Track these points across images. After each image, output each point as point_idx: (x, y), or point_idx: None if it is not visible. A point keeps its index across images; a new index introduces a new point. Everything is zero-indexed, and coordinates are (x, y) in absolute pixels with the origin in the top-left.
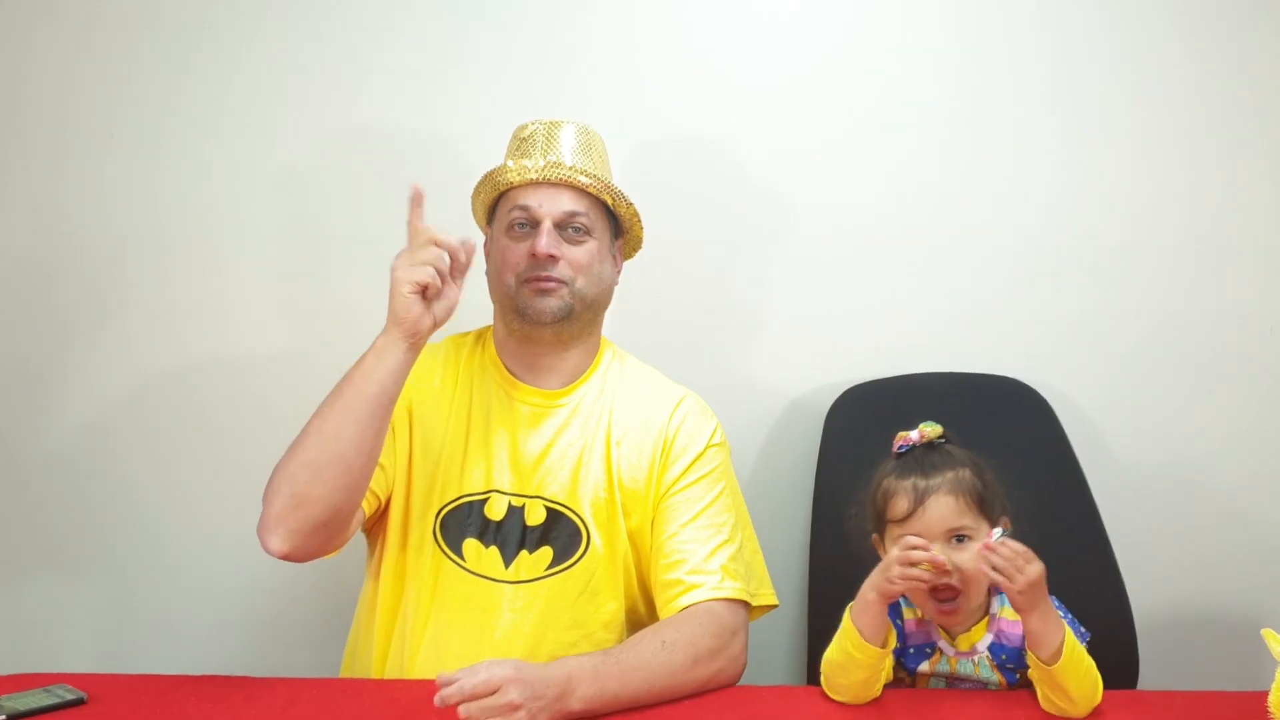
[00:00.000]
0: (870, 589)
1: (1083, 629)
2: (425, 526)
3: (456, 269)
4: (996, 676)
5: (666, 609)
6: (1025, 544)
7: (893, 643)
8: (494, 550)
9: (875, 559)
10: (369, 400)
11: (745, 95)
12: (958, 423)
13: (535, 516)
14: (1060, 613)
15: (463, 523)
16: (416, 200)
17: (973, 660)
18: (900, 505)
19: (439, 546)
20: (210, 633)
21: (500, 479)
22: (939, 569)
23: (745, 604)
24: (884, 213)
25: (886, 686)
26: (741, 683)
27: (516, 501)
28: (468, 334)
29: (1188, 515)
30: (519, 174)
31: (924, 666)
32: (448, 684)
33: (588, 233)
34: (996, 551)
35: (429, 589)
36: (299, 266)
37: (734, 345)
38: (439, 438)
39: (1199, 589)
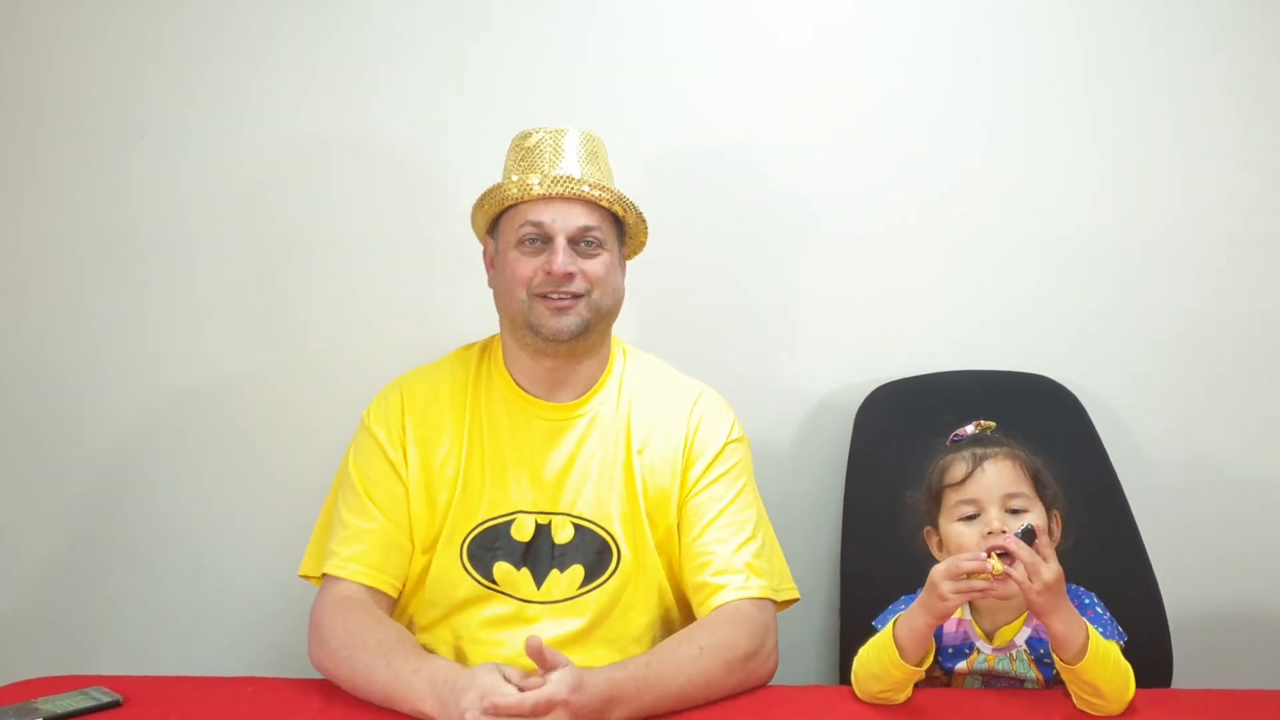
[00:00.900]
0: (922, 611)
1: (1120, 630)
2: (452, 554)
3: None
4: (1034, 672)
5: (699, 611)
6: (1074, 534)
7: (930, 660)
8: (525, 572)
9: (928, 556)
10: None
11: (772, 98)
12: (993, 421)
13: (563, 534)
14: (1097, 612)
15: (491, 547)
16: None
17: (1010, 655)
18: (958, 469)
19: (469, 573)
20: (245, 634)
21: (523, 498)
22: (993, 572)
23: (773, 600)
24: (912, 210)
25: (922, 685)
26: (773, 683)
27: (543, 519)
28: (472, 346)
29: (1220, 512)
30: (528, 191)
31: (961, 666)
32: (534, 653)
33: (600, 245)
34: (1017, 552)
35: (463, 615)
36: (328, 273)
37: (762, 345)
38: (453, 470)
39: (1233, 586)
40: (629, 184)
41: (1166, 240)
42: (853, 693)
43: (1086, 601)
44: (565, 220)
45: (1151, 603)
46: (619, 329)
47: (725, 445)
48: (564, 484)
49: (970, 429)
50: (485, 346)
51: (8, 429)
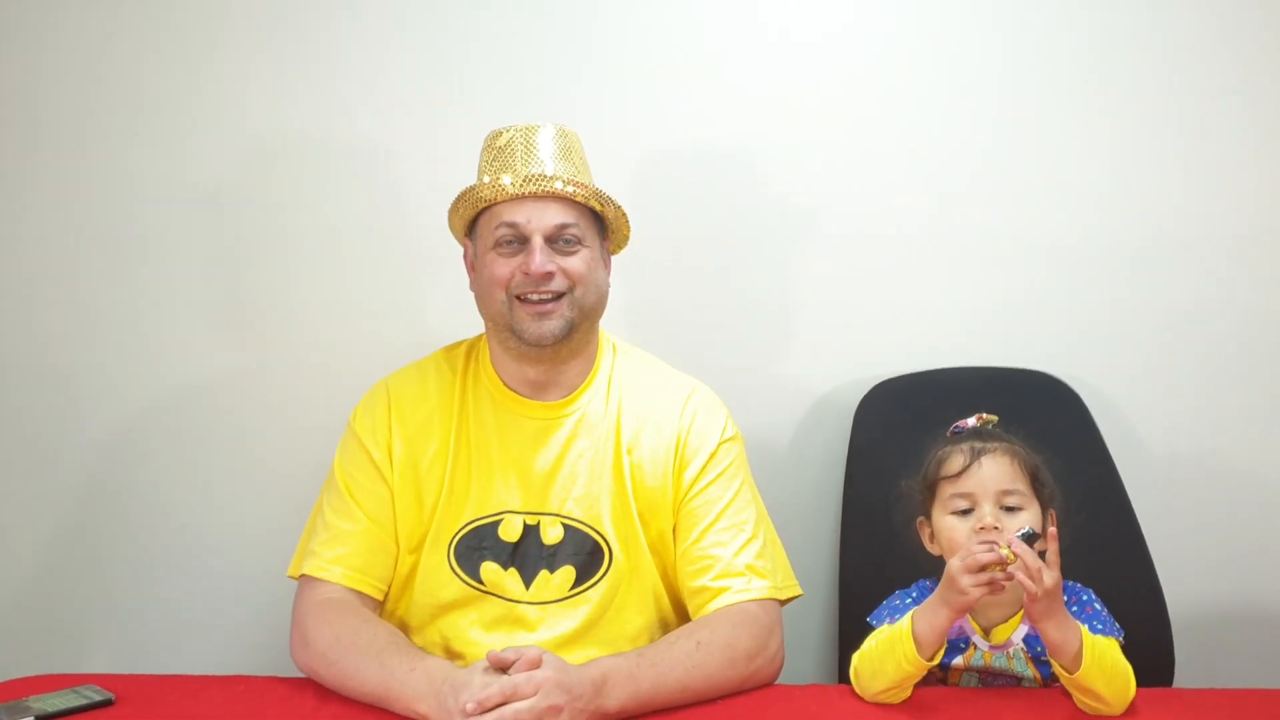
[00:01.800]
0: (942, 606)
1: (1118, 626)
2: (439, 554)
3: None
4: (1031, 670)
5: (697, 615)
6: (1070, 535)
7: (941, 655)
8: (513, 572)
9: (919, 547)
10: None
11: (774, 97)
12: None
13: (552, 535)
14: (1095, 608)
15: (478, 547)
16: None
17: (1007, 654)
18: (955, 462)
19: (456, 574)
20: (238, 632)
21: (511, 499)
22: (1007, 562)
23: (776, 600)
24: (911, 207)
25: (919, 683)
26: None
27: (531, 520)
28: (458, 346)
29: (1223, 509)
30: (501, 191)
31: (957, 661)
32: (498, 664)
33: (579, 242)
34: (1021, 554)
35: (452, 615)
36: (329, 268)
37: (761, 342)
38: (440, 470)
39: (1236, 584)
40: (629, 181)
41: (1168, 235)
42: (853, 691)
43: (1085, 598)
44: (540, 219)
45: (1153, 601)
46: (618, 326)
47: (719, 445)
48: (552, 484)
49: (972, 421)
50: (472, 346)
51: (3, 424)
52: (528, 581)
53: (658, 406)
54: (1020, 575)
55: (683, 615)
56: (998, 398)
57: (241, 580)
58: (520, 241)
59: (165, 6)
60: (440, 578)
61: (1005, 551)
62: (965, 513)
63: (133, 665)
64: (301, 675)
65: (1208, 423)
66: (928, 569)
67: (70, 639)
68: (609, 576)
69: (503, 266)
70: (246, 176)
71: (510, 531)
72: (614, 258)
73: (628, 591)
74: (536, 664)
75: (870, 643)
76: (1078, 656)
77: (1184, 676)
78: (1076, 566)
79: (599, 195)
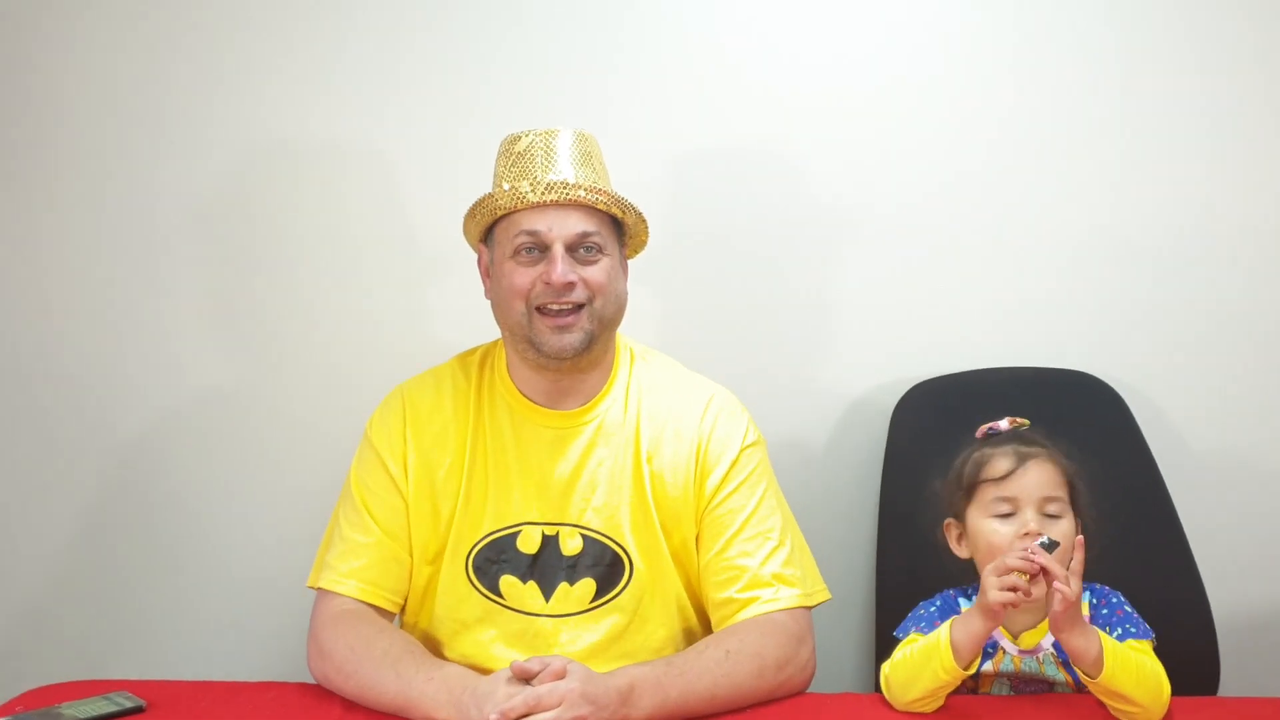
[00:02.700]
0: (977, 614)
1: (1148, 628)
2: (457, 568)
3: None
4: (1062, 675)
5: (724, 626)
6: (1099, 545)
7: (977, 663)
8: (532, 585)
9: (944, 549)
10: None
11: (809, 95)
12: (1028, 419)
13: (571, 545)
14: (1126, 610)
15: (496, 559)
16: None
17: (1037, 658)
18: (1000, 464)
19: (475, 587)
20: (269, 639)
21: (529, 510)
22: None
23: (806, 607)
24: (947, 206)
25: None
26: (809, 689)
27: (550, 531)
28: (473, 353)
29: (1269, 508)
30: (522, 199)
31: (987, 667)
32: (522, 675)
33: (600, 250)
34: (1048, 565)
35: (473, 632)
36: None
37: (797, 344)
38: (456, 481)
39: None
40: (663, 183)
41: (1205, 230)
42: (883, 700)
43: (1114, 600)
44: (562, 228)
45: (1197, 604)
46: (651, 329)
47: (741, 451)
48: (571, 494)
49: (1004, 424)
50: (486, 353)
51: (29, 430)
52: (547, 594)
53: (677, 413)
54: (1058, 583)
55: (708, 624)
56: (1038, 398)
57: (270, 586)
58: (540, 250)
59: (186, 16)
60: (459, 591)
61: (1032, 558)
62: (1006, 516)
63: (164, 672)
64: None
65: (1253, 421)
66: (958, 573)
67: (102, 646)
68: (630, 588)
69: (522, 276)
70: (267, 184)
71: (529, 543)
72: (649, 262)
73: (650, 603)
74: (561, 675)
75: (901, 652)
76: (1099, 660)
77: (1229, 684)
78: (1117, 570)
79: (620, 202)
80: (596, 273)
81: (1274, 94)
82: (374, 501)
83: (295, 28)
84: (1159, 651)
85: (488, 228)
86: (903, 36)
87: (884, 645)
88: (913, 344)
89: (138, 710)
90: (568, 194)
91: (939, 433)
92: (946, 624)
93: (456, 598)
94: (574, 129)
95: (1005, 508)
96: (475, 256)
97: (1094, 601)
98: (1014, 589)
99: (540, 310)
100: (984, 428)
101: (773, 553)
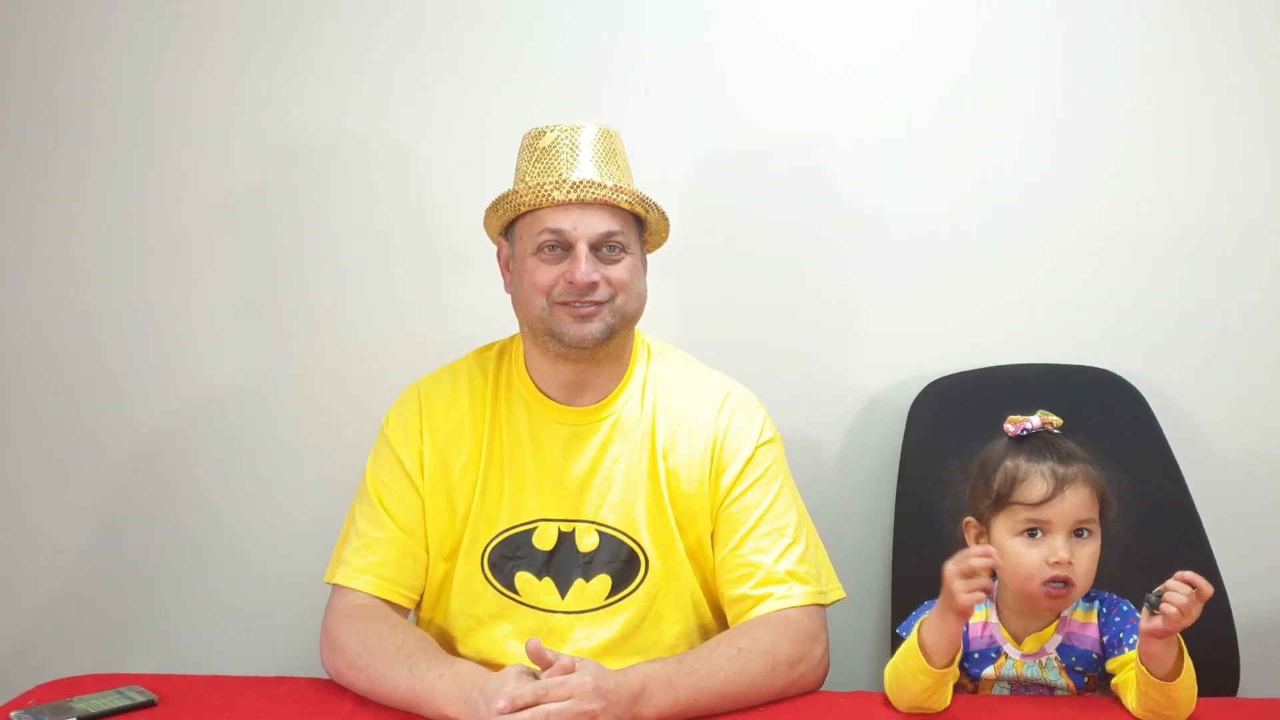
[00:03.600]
0: (943, 611)
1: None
2: (473, 564)
3: None
4: (1065, 680)
5: (738, 623)
6: (1122, 542)
7: (958, 659)
8: (548, 582)
9: (962, 544)
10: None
11: (830, 93)
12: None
13: (587, 542)
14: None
15: (512, 556)
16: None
17: (1039, 662)
18: (1037, 488)
19: (490, 583)
20: (281, 633)
21: (545, 506)
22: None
23: (820, 605)
24: (966, 203)
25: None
26: (823, 688)
27: (565, 527)
28: (489, 349)
29: None
30: (546, 197)
31: (988, 671)
32: (537, 656)
33: (623, 249)
34: (1175, 599)
35: (488, 629)
36: (372, 269)
37: (813, 341)
38: (472, 478)
39: None
40: (684, 179)
41: (1228, 227)
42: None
43: (1125, 608)
44: (587, 227)
45: (1218, 606)
46: (672, 325)
47: (757, 448)
48: (587, 490)
49: (1035, 421)
50: (503, 349)
51: (53, 424)
52: (563, 591)
53: (693, 409)
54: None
55: (723, 620)
56: (1056, 395)
57: (286, 581)
58: (564, 248)
59: (211, 15)
60: (474, 587)
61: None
62: (1032, 533)
63: (176, 666)
64: None
65: (1275, 419)
66: None
67: (114, 640)
68: (646, 584)
69: (545, 273)
70: (292, 181)
71: (545, 539)
72: (669, 258)
73: (665, 599)
74: (570, 670)
75: (896, 654)
76: (1177, 666)
77: (1249, 686)
78: (1138, 571)
79: (644, 200)
80: (619, 271)
81: None
82: (390, 498)
83: (319, 26)
84: None
85: (509, 222)
86: (926, 36)
87: (898, 644)
88: (930, 340)
89: (149, 704)
90: (593, 193)
91: (956, 430)
92: (916, 626)
93: (472, 594)
94: (598, 125)
95: (1035, 527)
96: (496, 249)
97: (1104, 610)
98: (984, 590)
99: (562, 304)
100: (1015, 425)
101: (787, 550)
